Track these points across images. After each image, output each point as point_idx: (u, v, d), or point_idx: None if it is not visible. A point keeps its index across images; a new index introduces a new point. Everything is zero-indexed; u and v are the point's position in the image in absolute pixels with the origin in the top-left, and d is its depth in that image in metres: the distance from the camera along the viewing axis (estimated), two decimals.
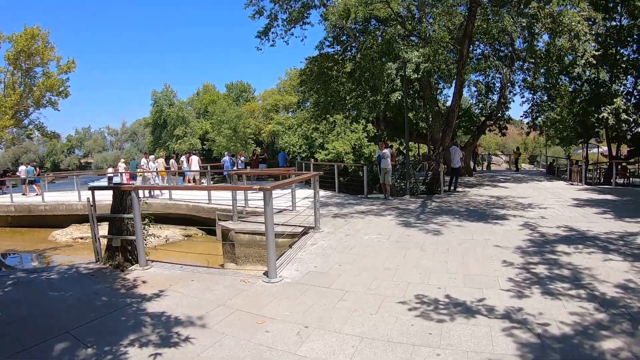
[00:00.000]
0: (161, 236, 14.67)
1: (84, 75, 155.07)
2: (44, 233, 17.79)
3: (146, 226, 7.18)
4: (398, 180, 16.18)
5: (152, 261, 7.17)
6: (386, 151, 15.44)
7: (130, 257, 7.04)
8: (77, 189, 19.65)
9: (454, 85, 17.36)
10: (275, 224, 9.45)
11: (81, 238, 16.64)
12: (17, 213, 19.55)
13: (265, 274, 6.15)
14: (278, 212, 11.90)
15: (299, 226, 9.45)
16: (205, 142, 61.62)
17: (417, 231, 9.12)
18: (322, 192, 17.59)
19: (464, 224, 9.89)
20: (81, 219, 18.15)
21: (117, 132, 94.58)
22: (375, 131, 34.98)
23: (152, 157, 22.30)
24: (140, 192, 17.36)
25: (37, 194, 21.51)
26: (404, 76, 16.16)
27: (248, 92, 68.36)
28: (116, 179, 23.89)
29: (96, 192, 7.28)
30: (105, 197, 7.70)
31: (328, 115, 22.79)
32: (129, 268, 6.81)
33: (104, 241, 7.25)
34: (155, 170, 21.25)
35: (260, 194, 6.12)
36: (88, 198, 7.41)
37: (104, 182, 26.35)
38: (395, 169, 16.63)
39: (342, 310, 4.87)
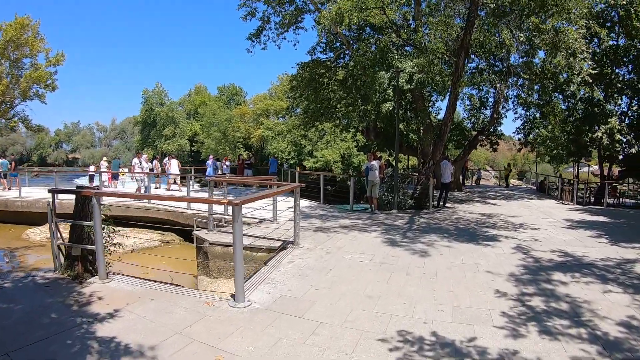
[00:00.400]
0: (137, 240, 13.97)
1: (75, 69, 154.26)
2: (19, 230, 17.04)
3: (110, 235, 6.54)
4: (386, 194, 15.58)
5: (114, 273, 6.55)
6: (374, 162, 14.86)
7: (90, 268, 6.43)
8: (55, 186, 18.67)
9: (447, 97, 16.91)
10: (253, 236, 8.98)
11: None
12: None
13: (233, 296, 5.50)
14: (258, 222, 11.32)
15: (278, 240, 8.84)
16: (194, 144, 60.59)
17: (403, 251, 8.52)
18: (306, 203, 17.03)
19: (454, 244, 9.32)
20: (59, 218, 17.41)
21: (106, 129, 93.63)
22: (365, 141, 34.46)
23: (145, 156, 21.11)
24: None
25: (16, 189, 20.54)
26: (396, 86, 15.66)
27: (240, 96, 67.54)
28: (97, 177, 23.16)
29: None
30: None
31: (317, 123, 22.21)
32: (88, 280, 6.20)
33: None
34: (148, 170, 20.35)
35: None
36: (48, 202, 6.80)
37: (85, 180, 25.48)
38: (383, 181, 16.04)
39: (313, 348, 4.24)
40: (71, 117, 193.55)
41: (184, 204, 14.81)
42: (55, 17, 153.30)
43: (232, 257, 8.36)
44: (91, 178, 24.74)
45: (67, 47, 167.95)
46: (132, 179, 20.18)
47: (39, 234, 16.33)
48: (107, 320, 4.81)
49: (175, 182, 21.96)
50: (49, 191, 6.97)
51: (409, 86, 16.34)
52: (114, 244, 6.69)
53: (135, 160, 20.54)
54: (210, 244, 8.89)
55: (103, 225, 6.41)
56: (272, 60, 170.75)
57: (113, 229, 6.60)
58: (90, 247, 6.27)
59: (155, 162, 23.58)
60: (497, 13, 14.07)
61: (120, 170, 25.10)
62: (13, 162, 24.55)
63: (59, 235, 6.82)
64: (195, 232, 10.24)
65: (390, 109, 16.79)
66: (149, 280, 6.45)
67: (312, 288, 6.09)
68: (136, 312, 5.06)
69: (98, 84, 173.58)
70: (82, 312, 5.04)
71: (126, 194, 5.58)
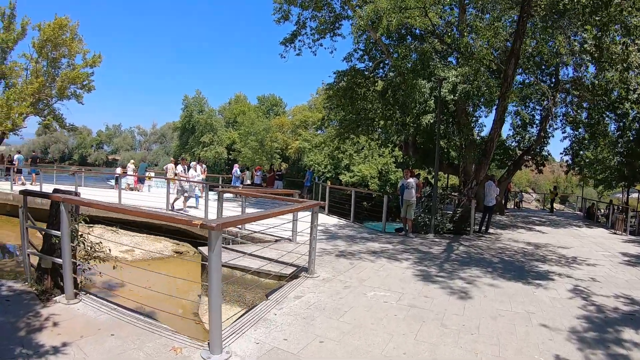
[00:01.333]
0: (150, 248, 13.08)
1: (118, 73, 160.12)
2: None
3: (81, 247, 5.55)
4: (422, 215, 14.22)
5: (88, 292, 5.62)
6: (411, 180, 13.43)
7: (61, 284, 5.44)
8: (75, 187, 18.34)
9: (493, 111, 15.44)
10: (263, 259, 7.80)
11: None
12: (15, 202, 18.56)
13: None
14: (276, 241, 10.18)
15: (291, 265, 7.57)
16: (231, 152, 60.66)
17: (438, 289, 7.08)
18: (334, 220, 15.82)
19: (499, 282, 7.81)
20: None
21: (146, 133, 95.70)
22: (403, 157, 33.00)
23: (193, 163, 18.20)
24: (179, 203, 15.69)
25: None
26: (438, 97, 14.28)
27: (279, 106, 67.39)
28: (124, 180, 22.65)
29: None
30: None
31: (353, 136, 20.96)
32: (54, 298, 5.26)
33: None
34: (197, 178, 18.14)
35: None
36: (20, 207, 5.90)
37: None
38: (420, 201, 14.67)
39: None
40: (113, 120, 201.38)
41: (202, 213, 13.86)
42: (103, 23, 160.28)
43: (240, 280, 7.50)
44: (117, 180, 24.30)
45: (106, 50, 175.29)
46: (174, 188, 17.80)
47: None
48: (49, 357, 3.89)
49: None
50: (20, 192, 6.04)
51: (452, 97, 14.98)
52: (95, 257, 5.73)
53: (180, 167, 17.41)
54: None
55: (82, 234, 5.54)
56: (312, 72, 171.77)
57: (83, 242, 5.59)
58: (57, 260, 5.31)
59: (179, 166, 22.17)
60: (551, 17, 12.59)
61: (147, 174, 24.62)
62: (30, 159, 24.45)
63: (28, 242, 5.90)
64: (200, 247, 9.21)
65: (431, 122, 15.40)
66: (122, 307, 5.30)
67: (316, 339, 4.74)
68: (85, 351, 4.01)
69: (141, 89, 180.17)
70: (26, 340, 4.17)
71: (102, 204, 4.72)
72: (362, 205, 30.18)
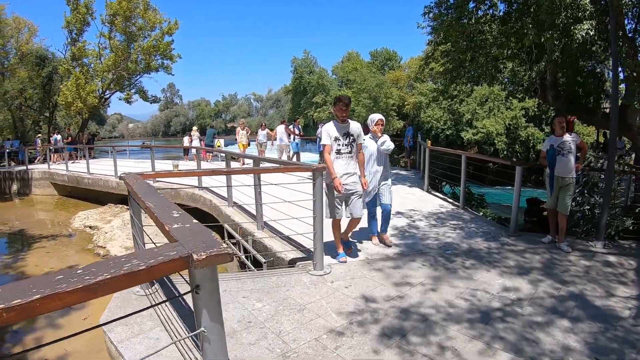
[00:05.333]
0: None
1: (234, 44, 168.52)
2: (84, 208, 16.13)
3: None
4: (578, 204, 8.45)
5: None
6: (568, 138, 7.05)
7: None
8: (113, 160, 16.45)
9: None
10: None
11: (90, 227, 13.35)
12: (70, 183, 18.33)
13: None
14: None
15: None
16: None
17: None
18: (434, 204, 10.61)
19: None
20: (118, 199, 15.89)
21: (262, 99, 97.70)
22: (537, 107, 25.63)
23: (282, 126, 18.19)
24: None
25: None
26: None
27: (394, 60, 62.18)
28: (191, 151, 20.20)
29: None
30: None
31: (465, 78, 14.82)
32: None
33: None
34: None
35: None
36: None
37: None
38: (580, 178, 8.42)
39: None
40: (229, 89, 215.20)
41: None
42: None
43: None
44: (185, 152, 21.57)
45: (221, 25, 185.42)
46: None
47: (82, 219, 14.34)
48: None
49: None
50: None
51: None
52: None
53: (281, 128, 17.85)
54: None
55: None
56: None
57: None
58: None
59: (266, 130, 19.11)
60: None
61: (216, 141, 21.18)
62: (68, 138, 24.13)
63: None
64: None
65: (590, 33, 8.95)
66: None
67: None
68: None
69: (254, 58, 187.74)
70: None
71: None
72: (488, 170, 24.27)
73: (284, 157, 17.32)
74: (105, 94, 29.50)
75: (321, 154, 6.71)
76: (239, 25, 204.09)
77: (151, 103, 33.54)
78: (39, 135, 28.24)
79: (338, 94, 55.94)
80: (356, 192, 5.84)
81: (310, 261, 5.73)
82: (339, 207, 5.84)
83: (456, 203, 10.52)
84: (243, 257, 7.32)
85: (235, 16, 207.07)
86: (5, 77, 28.80)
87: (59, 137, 23.96)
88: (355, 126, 5.86)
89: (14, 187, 20.87)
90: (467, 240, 7.33)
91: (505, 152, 31.91)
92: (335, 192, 5.67)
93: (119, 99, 32.33)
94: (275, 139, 17.94)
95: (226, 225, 8.45)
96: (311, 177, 5.35)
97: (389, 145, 6.51)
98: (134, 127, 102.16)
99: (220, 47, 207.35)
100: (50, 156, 21.81)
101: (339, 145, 5.78)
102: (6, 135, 31.28)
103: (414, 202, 10.60)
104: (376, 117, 6.72)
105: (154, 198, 2.75)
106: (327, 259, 5.93)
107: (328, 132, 5.79)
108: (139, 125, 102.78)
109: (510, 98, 23.10)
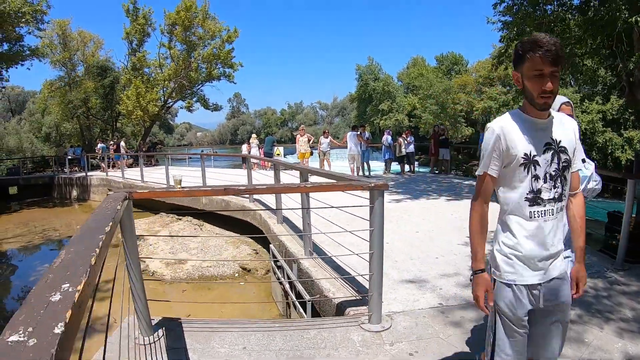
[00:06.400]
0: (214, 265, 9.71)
1: (299, 55, 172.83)
2: (136, 216, 14.92)
3: None
4: None
5: None
6: None
7: None
8: (165, 169, 16.20)
9: None
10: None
11: (137, 237, 12.45)
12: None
13: None
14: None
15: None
16: (412, 119, 56.41)
17: None
18: None
19: None
20: (169, 208, 15.12)
21: (328, 107, 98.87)
22: (616, 110, 24.29)
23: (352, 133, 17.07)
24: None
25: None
26: None
27: (460, 64, 61.28)
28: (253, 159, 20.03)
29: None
30: None
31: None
32: None
33: None
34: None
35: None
36: None
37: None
38: None
39: None
40: (294, 98, 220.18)
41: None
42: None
43: None
44: (243, 160, 21.50)
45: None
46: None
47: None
48: None
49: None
50: None
51: None
52: None
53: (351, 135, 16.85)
54: None
55: None
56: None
57: None
58: None
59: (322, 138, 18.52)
60: None
61: (275, 149, 20.73)
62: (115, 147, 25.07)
63: None
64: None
65: None
66: None
67: None
68: None
69: (318, 65, 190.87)
70: None
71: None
72: None
73: (354, 167, 16.61)
74: (167, 102, 30.75)
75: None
76: (302, 32, 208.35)
77: (212, 111, 34.33)
78: (102, 142, 29.47)
79: (405, 101, 55.71)
80: (563, 303, 2.24)
81: (364, 307, 4.28)
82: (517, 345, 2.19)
83: None
84: (287, 285, 6.31)
85: (296, 23, 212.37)
86: (72, 88, 30.46)
87: (122, 143, 24.66)
88: (569, 126, 2.17)
89: (74, 192, 21.94)
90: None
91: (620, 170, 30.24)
92: (509, 310, 2.14)
93: (181, 107, 33.19)
94: (341, 147, 17.53)
95: (272, 246, 7.62)
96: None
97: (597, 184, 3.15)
98: (202, 136, 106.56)
99: (284, 55, 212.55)
100: (106, 164, 22.57)
101: (536, 179, 2.07)
102: (74, 143, 32.39)
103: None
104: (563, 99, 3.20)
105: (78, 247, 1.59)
106: (387, 302, 4.45)
107: (501, 137, 2.07)
108: (206, 133, 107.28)
109: (587, 101, 22.05)
